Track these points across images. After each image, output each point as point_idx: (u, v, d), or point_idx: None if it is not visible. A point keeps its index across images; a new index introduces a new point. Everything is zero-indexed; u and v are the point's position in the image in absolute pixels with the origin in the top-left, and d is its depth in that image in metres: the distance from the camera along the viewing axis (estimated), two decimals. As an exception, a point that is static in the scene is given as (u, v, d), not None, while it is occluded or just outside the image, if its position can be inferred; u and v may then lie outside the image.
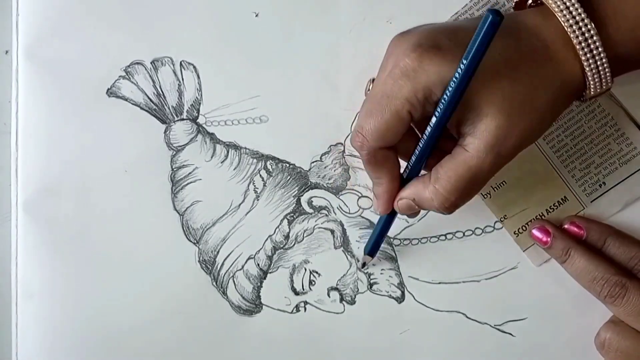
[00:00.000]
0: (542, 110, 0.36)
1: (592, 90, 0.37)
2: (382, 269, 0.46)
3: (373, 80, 0.39)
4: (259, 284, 0.46)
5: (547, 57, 0.36)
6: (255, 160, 0.47)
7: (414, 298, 0.46)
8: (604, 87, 0.38)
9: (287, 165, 0.47)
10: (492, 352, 0.46)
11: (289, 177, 0.47)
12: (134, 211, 0.46)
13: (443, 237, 0.46)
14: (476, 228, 0.46)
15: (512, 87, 0.35)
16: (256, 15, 0.46)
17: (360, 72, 0.46)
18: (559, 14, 0.36)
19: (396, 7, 0.46)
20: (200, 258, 0.46)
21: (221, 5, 0.46)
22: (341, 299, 0.46)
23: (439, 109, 0.35)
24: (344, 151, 0.46)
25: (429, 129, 0.37)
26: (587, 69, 0.36)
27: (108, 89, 0.47)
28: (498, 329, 0.46)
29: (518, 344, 0.46)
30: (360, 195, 0.46)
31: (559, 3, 0.36)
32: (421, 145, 0.38)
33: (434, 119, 0.36)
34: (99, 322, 0.46)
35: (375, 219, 0.46)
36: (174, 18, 0.47)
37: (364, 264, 0.46)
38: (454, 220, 0.46)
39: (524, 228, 0.46)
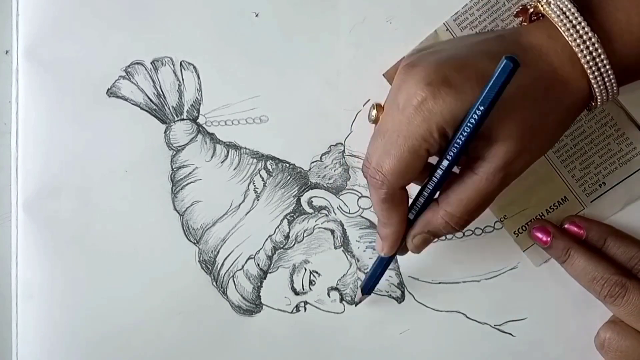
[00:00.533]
0: (552, 131, 0.37)
1: (599, 102, 0.38)
2: (382, 269, 0.46)
3: (376, 106, 0.39)
4: (259, 284, 0.46)
5: (555, 81, 0.36)
6: (255, 160, 0.47)
7: (414, 298, 0.46)
8: (611, 97, 0.38)
9: (287, 165, 0.47)
10: (492, 352, 0.46)
11: (289, 177, 0.47)
12: (134, 211, 0.46)
13: (443, 237, 0.46)
14: (476, 228, 0.46)
15: (523, 114, 0.35)
16: (256, 16, 0.46)
17: (360, 72, 0.46)
18: (566, 33, 0.36)
19: (396, 7, 0.46)
20: (201, 258, 0.46)
21: (221, 6, 0.46)
22: (341, 299, 0.46)
23: (451, 152, 0.35)
24: (344, 151, 0.46)
25: (439, 171, 0.37)
26: (595, 85, 0.37)
27: (108, 89, 0.47)
28: (498, 329, 0.46)
29: (518, 344, 0.46)
30: (360, 195, 0.46)
31: (565, 22, 0.36)
32: (431, 186, 0.38)
33: (445, 162, 0.36)
34: (99, 321, 0.46)
35: (374, 219, 0.46)
36: (174, 18, 0.47)
37: (358, 302, 0.46)
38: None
39: (523, 228, 0.46)
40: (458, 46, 0.38)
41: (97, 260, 0.46)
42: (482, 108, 0.33)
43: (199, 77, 0.47)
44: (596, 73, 0.36)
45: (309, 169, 0.47)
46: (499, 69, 0.32)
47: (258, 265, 0.46)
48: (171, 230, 0.46)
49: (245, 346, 0.46)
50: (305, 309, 0.47)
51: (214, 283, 0.46)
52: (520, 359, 0.46)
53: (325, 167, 0.47)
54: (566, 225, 0.45)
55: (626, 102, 0.45)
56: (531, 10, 0.39)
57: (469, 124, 0.34)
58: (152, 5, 0.47)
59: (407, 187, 0.39)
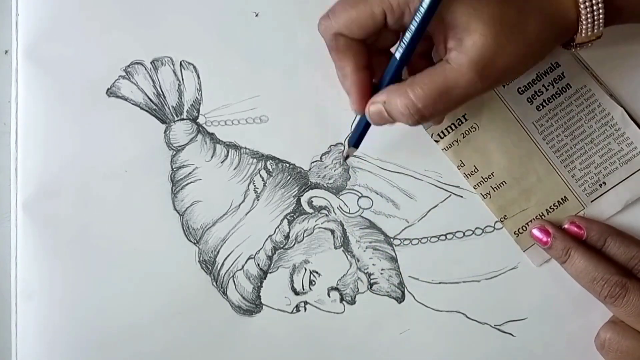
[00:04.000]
0: (531, 38, 0.35)
1: (582, 33, 0.37)
2: (382, 269, 0.46)
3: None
4: (259, 284, 0.46)
5: None
6: (255, 160, 0.47)
7: (414, 298, 0.46)
8: (595, 31, 0.37)
9: (287, 165, 0.47)
10: (492, 352, 0.46)
11: (289, 177, 0.47)
12: (134, 211, 0.46)
13: (443, 237, 0.46)
14: (476, 228, 0.46)
15: (502, 9, 0.34)
16: (256, 15, 0.46)
17: (360, 72, 0.46)
18: None
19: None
20: (201, 258, 0.46)
21: (221, 5, 0.46)
22: (341, 299, 0.46)
23: (414, 19, 0.35)
24: (344, 151, 0.46)
25: (407, 35, 0.36)
26: (582, 9, 0.36)
27: (108, 89, 0.47)
28: (498, 329, 0.46)
29: (518, 344, 0.46)
30: (360, 195, 0.46)
31: None
32: (398, 54, 0.37)
33: (411, 27, 0.35)
34: (99, 322, 0.46)
35: (374, 219, 0.46)
36: (174, 18, 0.47)
37: (347, 157, 0.45)
38: (454, 220, 0.46)
39: (524, 228, 0.46)
40: None
41: (96, 260, 0.46)
42: None
43: (198, 77, 0.47)
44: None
45: (309, 169, 0.47)
46: None
47: (258, 265, 0.46)
48: (171, 231, 0.46)
49: (245, 346, 0.46)
50: (305, 309, 0.47)
51: (214, 283, 0.46)
52: (520, 359, 0.46)
53: (325, 167, 0.46)
54: (566, 226, 0.45)
55: (627, 102, 0.45)
56: None
57: None
58: (152, 5, 0.47)
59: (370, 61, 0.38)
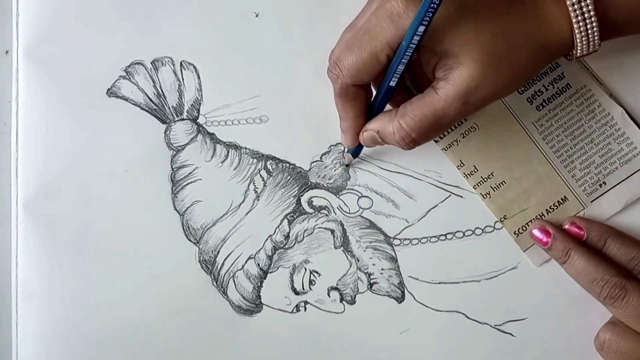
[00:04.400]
0: (520, 68, 0.36)
1: (578, 51, 0.37)
2: (382, 269, 0.46)
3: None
4: (259, 283, 0.46)
5: (534, 13, 0.36)
6: (255, 160, 0.47)
7: (414, 298, 0.46)
8: (592, 49, 0.37)
9: (287, 165, 0.47)
10: (492, 352, 0.46)
11: (289, 177, 0.47)
12: (134, 211, 0.46)
13: (443, 237, 0.46)
14: (476, 228, 0.46)
15: (493, 40, 0.35)
16: (256, 16, 0.46)
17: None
18: None
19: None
20: (201, 258, 0.46)
21: (221, 6, 0.46)
22: (341, 299, 0.46)
23: (399, 51, 0.36)
24: (344, 151, 0.46)
25: (400, 67, 0.37)
26: (577, 30, 0.36)
27: (108, 89, 0.47)
28: (498, 329, 0.46)
29: (518, 344, 0.46)
30: (360, 195, 0.46)
31: None
32: (393, 82, 0.38)
33: (396, 58, 0.36)
34: (99, 322, 0.46)
35: (374, 219, 0.46)
36: (175, 18, 0.47)
37: (347, 164, 0.46)
38: (454, 220, 0.46)
39: (524, 228, 0.46)
40: None
41: (97, 260, 0.46)
42: (423, 12, 0.33)
43: (199, 77, 0.47)
44: (580, 17, 0.36)
45: (309, 169, 0.47)
46: None
47: (258, 265, 0.46)
48: (171, 230, 0.46)
49: (245, 346, 0.46)
50: (305, 309, 0.47)
51: (214, 283, 0.46)
52: (520, 359, 0.46)
53: (325, 167, 0.47)
54: (566, 226, 0.45)
55: (627, 102, 0.45)
56: None
57: (416, 24, 0.34)
58: (152, 6, 0.47)
59: (372, 89, 0.39)
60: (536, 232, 0.45)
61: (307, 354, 0.46)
